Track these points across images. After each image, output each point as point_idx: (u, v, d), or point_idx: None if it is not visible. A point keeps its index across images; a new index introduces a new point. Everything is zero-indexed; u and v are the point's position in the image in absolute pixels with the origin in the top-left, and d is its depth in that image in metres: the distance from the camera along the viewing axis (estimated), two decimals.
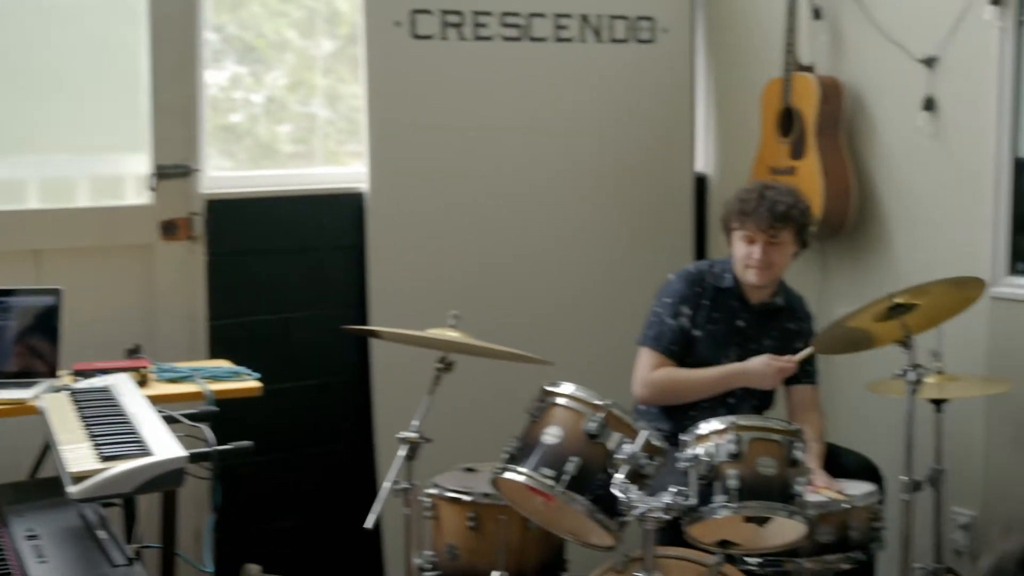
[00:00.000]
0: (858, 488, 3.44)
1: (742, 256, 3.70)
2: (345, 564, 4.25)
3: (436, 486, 3.44)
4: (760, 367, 3.66)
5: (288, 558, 4.16)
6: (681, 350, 3.74)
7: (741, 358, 3.74)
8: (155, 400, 2.91)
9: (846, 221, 4.32)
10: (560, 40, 4.54)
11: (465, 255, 4.39)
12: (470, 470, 3.59)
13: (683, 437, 3.12)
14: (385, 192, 4.22)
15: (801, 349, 3.73)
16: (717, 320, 3.76)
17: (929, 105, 4.07)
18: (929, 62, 4.07)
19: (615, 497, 2.88)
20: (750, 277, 3.70)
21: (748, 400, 3.74)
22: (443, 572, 3.40)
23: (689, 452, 3.05)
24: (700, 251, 4.90)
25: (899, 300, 3.19)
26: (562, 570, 3.46)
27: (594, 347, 4.51)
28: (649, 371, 3.73)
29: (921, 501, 3.39)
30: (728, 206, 3.76)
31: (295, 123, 4.45)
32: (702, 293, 3.77)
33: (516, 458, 3.07)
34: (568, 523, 3.21)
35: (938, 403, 3.70)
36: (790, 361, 3.67)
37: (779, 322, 3.83)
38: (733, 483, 2.95)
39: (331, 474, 4.29)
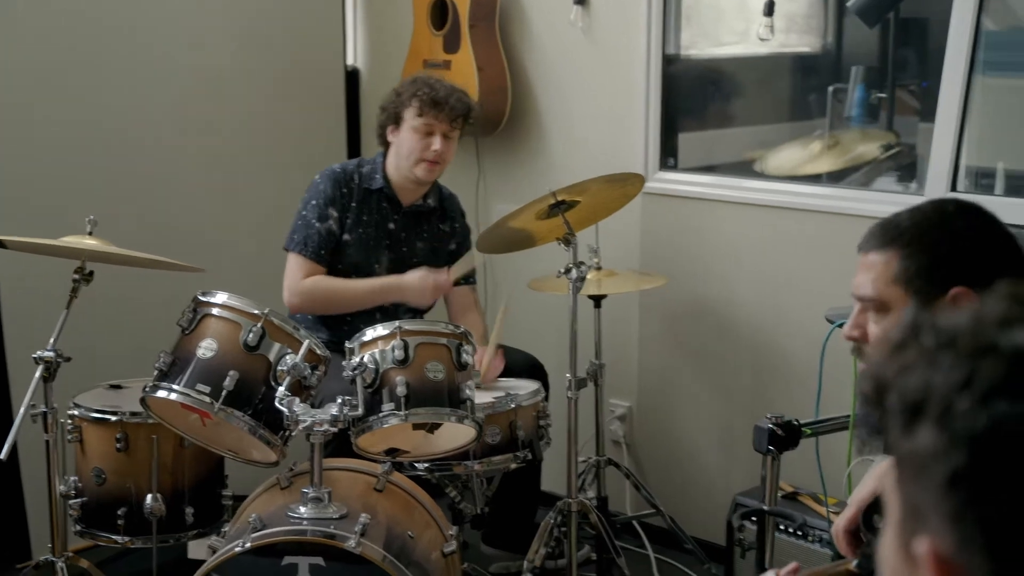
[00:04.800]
0: (523, 387, 3.42)
1: (416, 149, 3.54)
2: None
3: (78, 406, 3.19)
4: (416, 282, 3.55)
5: None
6: (330, 255, 3.59)
7: (393, 262, 3.64)
8: None
9: (503, 117, 4.25)
10: None
11: (106, 158, 4.02)
12: (116, 387, 3.37)
13: (348, 344, 2.97)
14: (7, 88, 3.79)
15: (454, 250, 3.68)
16: (367, 223, 3.63)
17: None
18: None
19: (278, 411, 2.72)
20: (420, 172, 3.56)
21: (403, 305, 3.65)
22: (89, 498, 3.16)
23: (355, 360, 2.90)
24: (354, 148, 4.72)
25: (561, 197, 3.15)
26: (222, 487, 3.29)
27: (248, 252, 4.28)
28: (299, 279, 3.57)
29: (582, 396, 3.40)
30: (411, 95, 3.54)
31: None
32: (350, 194, 3.62)
33: (168, 375, 2.84)
34: (227, 440, 3.03)
35: (597, 299, 3.74)
36: (447, 279, 3.58)
37: (431, 224, 3.74)
38: (401, 390, 2.83)
39: None
